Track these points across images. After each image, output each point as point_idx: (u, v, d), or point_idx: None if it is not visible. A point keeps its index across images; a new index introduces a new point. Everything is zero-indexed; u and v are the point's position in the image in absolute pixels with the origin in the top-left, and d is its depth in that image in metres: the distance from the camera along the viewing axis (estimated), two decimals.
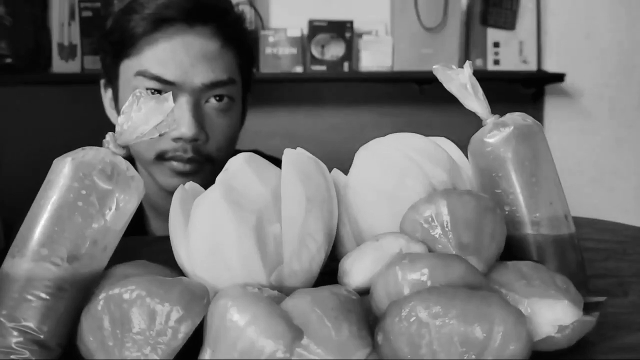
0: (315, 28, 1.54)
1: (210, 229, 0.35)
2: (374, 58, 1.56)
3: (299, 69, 1.55)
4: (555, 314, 0.31)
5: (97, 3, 1.49)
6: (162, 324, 0.30)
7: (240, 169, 0.39)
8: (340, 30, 1.55)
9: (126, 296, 0.30)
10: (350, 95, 1.66)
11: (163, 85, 0.69)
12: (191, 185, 0.41)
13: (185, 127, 0.68)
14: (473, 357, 0.27)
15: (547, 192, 0.40)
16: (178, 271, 0.40)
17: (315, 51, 1.55)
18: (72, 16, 1.49)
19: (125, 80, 0.72)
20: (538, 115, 1.67)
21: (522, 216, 0.40)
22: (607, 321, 0.36)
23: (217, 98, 0.71)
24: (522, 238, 0.40)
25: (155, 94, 0.67)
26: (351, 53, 1.56)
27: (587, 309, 0.34)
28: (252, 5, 1.49)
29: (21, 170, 1.59)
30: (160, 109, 0.34)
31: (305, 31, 1.57)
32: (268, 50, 1.54)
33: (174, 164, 0.71)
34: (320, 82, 1.62)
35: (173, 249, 0.39)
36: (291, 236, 0.36)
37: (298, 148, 0.41)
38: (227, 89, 0.72)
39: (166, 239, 0.40)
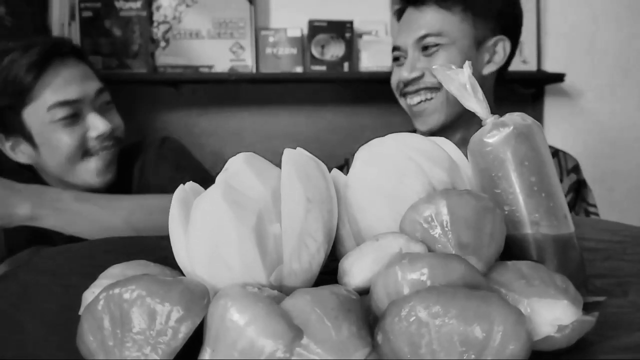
0: (315, 28, 1.54)
1: (210, 229, 0.35)
2: (374, 58, 1.55)
3: (299, 69, 1.55)
4: (555, 314, 0.31)
5: (98, 3, 1.49)
6: (163, 323, 0.30)
7: (240, 168, 0.39)
8: (340, 30, 1.55)
9: (126, 296, 0.30)
10: (350, 95, 1.66)
11: (73, 106, 0.91)
12: (191, 185, 0.41)
13: (103, 124, 0.93)
14: (473, 356, 0.27)
15: (547, 191, 0.40)
16: (178, 271, 0.40)
17: (315, 51, 1.55)
18: (72, 16, 1.49)
19: (37, 121, 0.91)
20: (538, 115, 1.66)
21: (521, 216, 0.40)
22: (607, 321, 0.36)
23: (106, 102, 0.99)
24: (521, 238, 0.40)
25: (68, 118, 0.91)
26: (351, 53, 1.56)
27: (587, 308, 0.34)
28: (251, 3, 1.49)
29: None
30: None
31: (305, 31, 1.57)
32: (268, 51, 1.54)
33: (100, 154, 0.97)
34: (320, 82, 1.62)
35: (173, 249, 0.39)
36: (291, 236, 0.36)
37: (298, 148, 0.41)
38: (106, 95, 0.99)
39: (166, 239, 0.40)
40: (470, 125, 1.04)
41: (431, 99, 1.01)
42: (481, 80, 1.01)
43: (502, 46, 1.00)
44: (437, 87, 1.00)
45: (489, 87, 1.04)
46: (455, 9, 0.98)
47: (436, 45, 0.99)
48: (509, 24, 1.00)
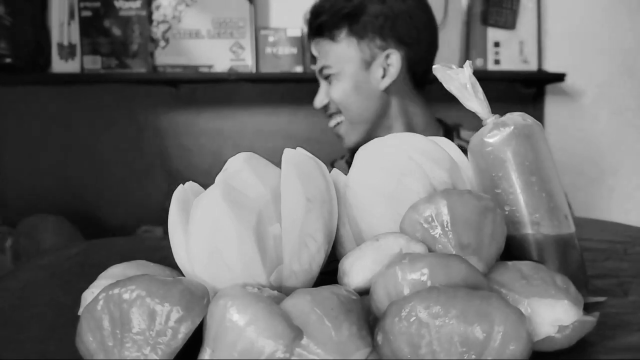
0: None
1: (210, 229, 0.35)
2: None
3: (298, 69, 1.55)
4: (555, 314, 0.31)
5: (97, 3, 1.49)
6: (162, 324, 0.29)
7: (240, 168, 0.39)
8: None
9: (126, 296, 0.30)
10: None
11: None
12: (191, 185, 0.41)
13: None
14: (473, 357, 0.27)
15: (547, 192, 0.40)
16: (178, 271, 0.40)
17: None
18: (71, 16, 1.49)
19: None
20: (538, 115, 1.66)
21: (522, 216, 0.40)
22: (607, 321, 0.36)
23: None
24: (522, 238, 0.40)
25: None
26: None
27: (587, 309, 0.34)
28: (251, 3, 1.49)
29: (21, 170, 1.58)
30: None
31: (305, 31, 1.56)
32: (268, 50, 1.54)
33: None
34: None
35: (173, 249, 0.39)
36: (291, 236, 0.36)
37: (298, 148, 0.41)
38: None
39: (166, 239, 0.40)
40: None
41: (342, 121, 1.08)
42: (384, 95, 1.04)
43: (395, 58, 1.02)
44: (340, 112, 1.07)
45: (400, 96, 1.06)
46: (340, 37, 1.04)
47: (330, 75, 1.06)
48: (397, 35, 1.03)
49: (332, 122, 1.10)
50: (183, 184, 0.41)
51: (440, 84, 0.43)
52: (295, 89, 1.63)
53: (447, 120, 1.17)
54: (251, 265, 0.35)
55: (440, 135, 0.99)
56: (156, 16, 1.51)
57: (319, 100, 1.09)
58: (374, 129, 1.07)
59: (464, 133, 1.11)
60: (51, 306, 0.44)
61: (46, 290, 0.48)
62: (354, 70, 1.04)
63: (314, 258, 0.37)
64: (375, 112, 1.05)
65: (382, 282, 0.31)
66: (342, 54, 1.04)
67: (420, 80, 1.08)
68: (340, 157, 1.24)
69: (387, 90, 1.04)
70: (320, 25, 1.06)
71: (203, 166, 1.60)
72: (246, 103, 1.62)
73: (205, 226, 0.36)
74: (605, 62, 1.68)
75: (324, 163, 0.42)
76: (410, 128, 1.07)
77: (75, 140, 1.59)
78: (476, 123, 0.43)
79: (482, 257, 0.35)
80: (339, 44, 1.04)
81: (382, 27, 1.02)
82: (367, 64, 1.04)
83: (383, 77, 1.03)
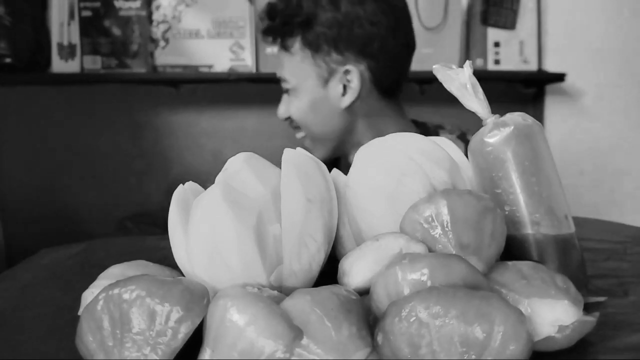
0: None
1: (209, 229, 0.35)
2: None
3: None
4: (555, 314, 0.31)
5: (97, 3, 1.49)
6: (162, 324, 0.29)
7: (240, 168, 0.39)
8: None
9: (126, 296, 0.30)
10: None
11: None
12: (191, 185, 0.41)
13: None
14: (473, 357, 0.27)
15: (547, 192, 0.40)
16: (178, 271, 0.40)
17: None
18: (71, 16, 1.49)
19: None
20: (538, 115, 1.66)
21: (522, 216, 0.40)
22: (607, 321, 0.36)
23: None
24: (522, 238, 0.40)
25: None
26: None
27: (588, 309, 0.34)
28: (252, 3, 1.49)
29: (21, 170, 1.58)
30: None
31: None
32: (268, 50, 1.54)
33: None
34: None
35: (173, 249, 0.39)
36: (291, 236, 0.36)
37: (298, 148, 0.41)
38: None
39: (166, 239, 0.40)
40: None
41: (305, 136, 0.99)
42: (347, 113, 0.94)
43: (355, 75, 0.91)
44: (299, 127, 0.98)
45: (366, 112, 0.95)
46: (294, 49, 0.92)
47: (287, 89, 0.96)
48: (356, 46, 0.90)
49: (298, 135, 1.00)
50: (183, 184, 0.41)
51: (440, 83, 0.43)
52: None
53: (428, 121, 1.08)
54: (251, 265, 0.35)
55: None
56: (156, 16, 1.51)
57: (281, 112, 1.00)
58: (340, 146, 0.98)
59: (443, 135, 1.03)
60: (51, 306, 0.44)
61: (46, 290, 0.48)
62: (311, 87, 0.93)
63: (314, 258, 0.37)
64: (338, 130, 0.95)
65: (382, 282, 0.31)
66: (297, 68, 0.93)
67: (390, 90, 0.96)
68: None
69: (351, 108, 0.93)
70: (272, 30, 0.94)
71: (203, 166, 1.60)
72: (246, 103, 1.62)
73: (205, 226, 0.36)
74: (606, 62, 1.68)
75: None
76: None
77: (75, 140, 1.59)
78: (476, 123, 0.43)
79: (482, 257, 0.35)
80: (294, 56, 0.93)
81: (337, 39, 0.89)
82: (325, 80, 0.92)
83: (344, 94, 0.92)
